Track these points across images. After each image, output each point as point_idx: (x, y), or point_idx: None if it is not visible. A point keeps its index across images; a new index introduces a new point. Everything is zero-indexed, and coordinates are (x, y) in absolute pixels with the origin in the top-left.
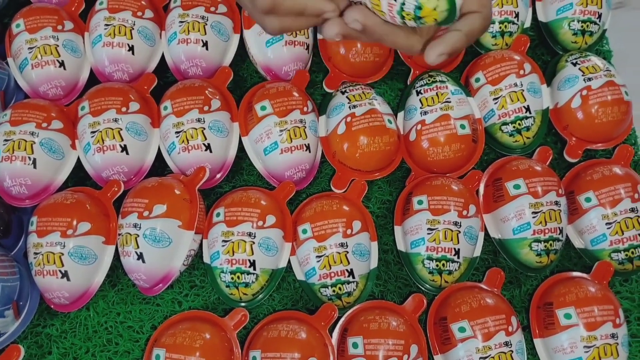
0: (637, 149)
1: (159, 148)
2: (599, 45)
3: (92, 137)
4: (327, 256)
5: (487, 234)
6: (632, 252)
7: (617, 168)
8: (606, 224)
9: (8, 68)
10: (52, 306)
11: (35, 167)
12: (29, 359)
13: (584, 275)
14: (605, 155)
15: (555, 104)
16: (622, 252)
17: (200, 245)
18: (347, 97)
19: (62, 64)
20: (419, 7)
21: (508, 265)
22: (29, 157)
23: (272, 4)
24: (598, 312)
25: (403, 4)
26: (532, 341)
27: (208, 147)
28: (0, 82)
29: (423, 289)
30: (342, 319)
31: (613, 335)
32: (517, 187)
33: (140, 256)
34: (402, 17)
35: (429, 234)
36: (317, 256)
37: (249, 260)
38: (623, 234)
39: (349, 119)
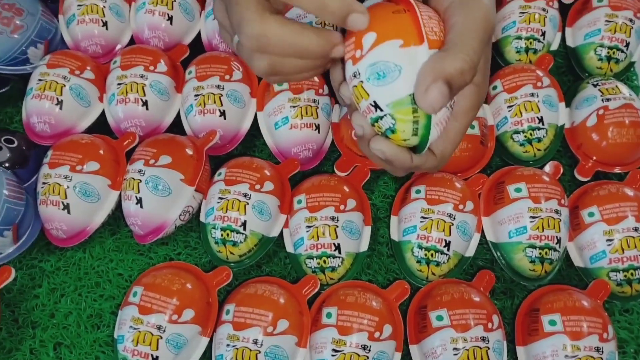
0: None
1: (178, 113)
2: (628, 80)
3: (118, 88)
4: (317, 227)
5: (486, 242)
6: (632, 274)
7: (627, 188)
8: (607, 240)
9: (57, 23)
10: (49, 238)
11: (61, 108)
12: (20, 288)
13: (578, 290)
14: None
15: (571, 123)
16: (621, 272)
17: (200, 208)
18: None
19: (105, 24)
20: (392, 131)
21: (503, 276)
22: (57, 98)
23: (258, 43)
24: (585, 322)
25: (380, 117)
26: (516, 352)
27: (223, 114)
28: (47, 32)
29: (413, 282)
30: (323, 293)
31: (598, 349)
32: (518, 190)
33: (139, 201)
34: (372, 125)
35: (421, 222)
36: (307, 226)
37: (240, 220)
38: (623, 252)
39: None
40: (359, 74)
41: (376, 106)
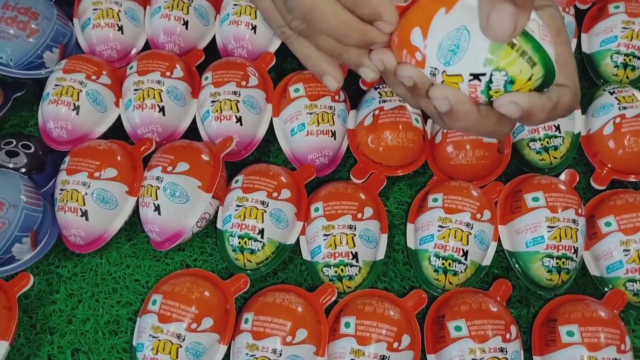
0: None
1: (194, 119)
2: None
3: (135, 94)
4: (334, 235)
5: (502, 250)
6: None
7: None
8: (624, 250)
9: (72, 26)
10: (67, 244)
11: (77, 113)
12: (37, 293)
13: (595, 299)
14: (635, 187)
15: (587, 131)
16: (637, 282)
17: (217, 214)
18: (379, 92)
19: (120, 29)
20: (512, 82)
21: (519, 284)
22: (74, 104)
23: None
24: (603, 333)
25: (489, 82)
26: None
27: (239, 120)
28: (62, 35)
29: (428, 292)
30: (340, 302)
31: None
32: (535, 199)
33: (157, 208)
34: (489, 97)
35: (439, 231)
36: (324, 234)
37: (258, 228)
38: None
39: (377, 111)
40: (436, 69)
41: (475, 76)
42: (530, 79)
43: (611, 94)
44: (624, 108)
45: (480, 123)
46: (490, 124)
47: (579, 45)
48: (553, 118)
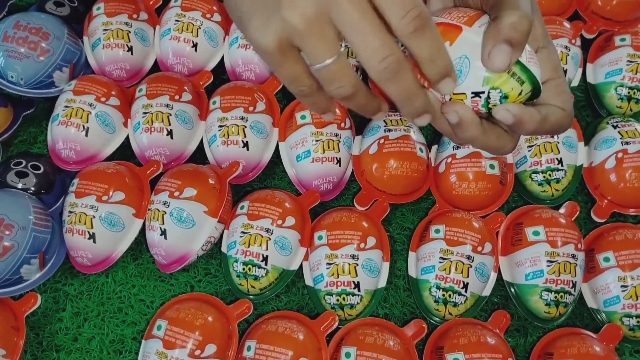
0: None
1: (202, 140)
2: None
3: (144, 117)
4: (337, 265)
5: (502, 279)
6: None
7: None
8: (621, 286)
9: (82, 46)
10: (74, 265)
11: (87, 135)
12: (44, 311)
13: (591, 334)
14: (635, 222)
15: (590, 163)
16: (634, 317)
17: (222, 236)
18: (384, 120)
19: (130, 49)
20: (505, 97)
21: (517, 313)
22: (83, 126)
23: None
24: None
25: (488, 98)
26: None
27: (246, 145)
28: (72, 55)
29: (428, 319)
30: (341, 330)
31: None
32: (536, 233)
33: (163, 232)
34: (489, 109)
35: (440, 262)
36: (327, 263)
37: (262, 255)
38: (638, 299)
39: (382, 140)
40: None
41: (476, 94)
42: (520, 94)
43: (614, 127)
44: (627, 143)
45: (484, 135)
46: (493, 138)
47: (584, 74)
48: (545, 130)
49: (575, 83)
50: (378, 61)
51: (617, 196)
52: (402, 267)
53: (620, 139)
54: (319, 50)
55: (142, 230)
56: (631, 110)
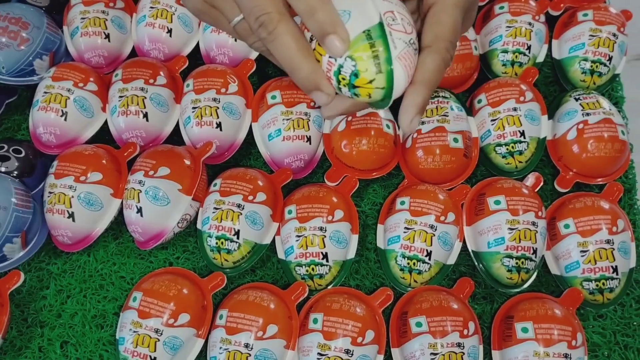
0: (635, 194)
1: (177, 122)
2: (614, 90)
3: (120, 101)
4: (306, 237)
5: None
6: (603, 284)
7: (603, 201)
8: (581, 251)
9: (62, 34)
10: (56, 243)
11: (65, 119)
12: (29, 289)
13: (553, 298)
14: (599, 191)
15: (553, 135)
16: (593, 281)
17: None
18: None
19: (107, 37)
20: (355, 75)
21: (484, 281)
22: (62, 110)
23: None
24: (556, 330)
25: (341, 66)
26: (491, 354)
27: (219, 126)
28: (52, 43)
29: (396, 288)
30: (311, 299)
31: (566, 356)
32: (497, 202)
33: (139, 210)
34: (338, 81)
35: (405, 232)
36: (297, 236)
37: (234, 229)
38: (596, 263)
39: (349, 117)
40: (312, 36)
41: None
42: (371, 82)
43: (576, 100)
44: (587, 114)
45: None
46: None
47: (550, 50)
48: (431, 91)
49: (540, 59)
50: (253, 20)
51: (580, 166)
52: (373, 240)
53: (582, 110)
54: (227, 9)
55: (122, 212)
56: (594, 83)
